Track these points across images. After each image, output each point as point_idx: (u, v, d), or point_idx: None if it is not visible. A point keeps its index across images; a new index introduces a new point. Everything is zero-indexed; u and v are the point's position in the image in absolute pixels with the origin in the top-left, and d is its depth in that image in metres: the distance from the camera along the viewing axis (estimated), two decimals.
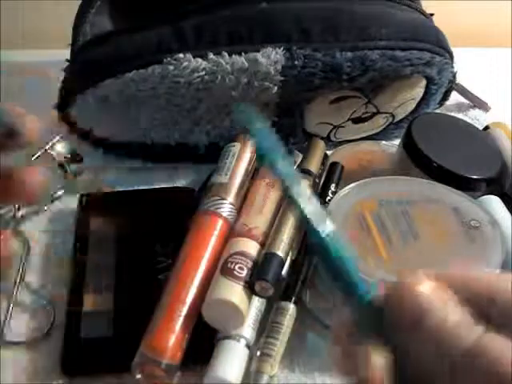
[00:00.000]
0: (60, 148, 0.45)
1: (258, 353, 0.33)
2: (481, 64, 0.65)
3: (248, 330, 0.34)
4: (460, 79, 0.53)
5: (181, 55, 0.42)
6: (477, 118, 0.57)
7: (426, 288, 0.17)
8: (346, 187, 0.41)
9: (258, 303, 0.35)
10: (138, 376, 0.32)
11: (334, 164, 0.45)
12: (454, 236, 0.37)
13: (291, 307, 0.35)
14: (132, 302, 0.37)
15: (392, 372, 0.17)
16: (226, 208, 0.39)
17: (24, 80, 0.61)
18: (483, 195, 0.43)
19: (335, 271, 0.18)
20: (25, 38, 0.67)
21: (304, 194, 0.18)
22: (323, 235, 0.18)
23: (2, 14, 0.65)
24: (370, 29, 0.43)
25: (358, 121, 0.49)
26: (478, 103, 0.59)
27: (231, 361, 0.33)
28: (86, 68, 0.45)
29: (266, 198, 0.40)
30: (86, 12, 0.48)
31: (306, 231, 0.18)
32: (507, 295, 0.16)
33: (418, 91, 0.48)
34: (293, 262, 0.38)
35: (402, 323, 0.16)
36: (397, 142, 0.48)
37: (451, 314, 0.16)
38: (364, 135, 0.51)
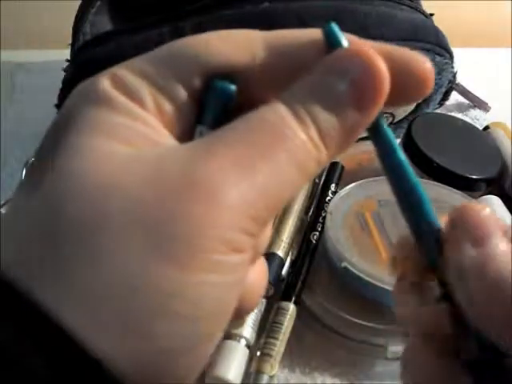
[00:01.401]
0: None
1: (258, 353, 0.33)
2: (481, 64, 0.65)
3: (248, 330, 0.34)
4: (460, 79, 0.53)
5: None
6: (477, 118, 0.57)
7: (489, 213, 0.18)
8: (346, 187, 0.41)
9: None
10: None
11: (334, 164, 0.45)
12: None
13: (291, 307, 0.35)
14: None
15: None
16: None
17: (24, 80, 0.61)
18: (483, 195, 0.43)
19: (410, 201, 0.18)
20: (25, 38, 0.67)
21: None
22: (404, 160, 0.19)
23: (2, 14, 0.65)
24: (370, 29, 0.43)
25: None
26: (477, 103, 0.59)
27: (231, 361, 0.33)
28: (86, 68, 0.45)
29: None
30: (86, 12, 0.48)
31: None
32: None
33: None
34: (293, 262, 0.38)
35: (465, 240, 0.17)
36: (397, 142, 0.48)
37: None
38: (364, 135, 0.51)
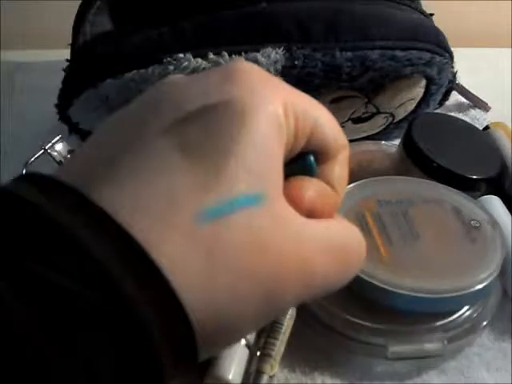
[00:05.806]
0: (60, 148, 0.45)
1: (258, 353, 0.33)
2: (481, 64, 0.65)
3: None
4: (460, 79, 0.53)
5: (181, 55, 0.42)
6: (477, 118, 0.57)
7: None
8: (346, 187, 0.41)
9: None
10: None
11: None
12: (454, 236, 0.37)
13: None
14: None
15: None
16: None
17: (24, 80, 0.61)
18: (483, 195, 0.43)
19: None
20: (25, 38, 0.67)
21: None
22: None
23: (2, 14, 0.65)
24: (370, 29, 0.43)
25: (358, 121, 0.49)
26: (477, 103, 0.59)
27: (231, 361, 0.33)
28: (86, 68, 0.45)
29: None
30: (86, 12, 0.48)
31: None
32: None
33: (418, 91, 0.48)
34: None
35: None
36: (397, 142, 0.48)
37: None
38: (364, 135, 0.51)
